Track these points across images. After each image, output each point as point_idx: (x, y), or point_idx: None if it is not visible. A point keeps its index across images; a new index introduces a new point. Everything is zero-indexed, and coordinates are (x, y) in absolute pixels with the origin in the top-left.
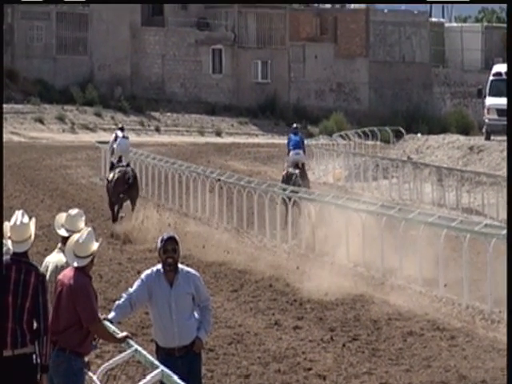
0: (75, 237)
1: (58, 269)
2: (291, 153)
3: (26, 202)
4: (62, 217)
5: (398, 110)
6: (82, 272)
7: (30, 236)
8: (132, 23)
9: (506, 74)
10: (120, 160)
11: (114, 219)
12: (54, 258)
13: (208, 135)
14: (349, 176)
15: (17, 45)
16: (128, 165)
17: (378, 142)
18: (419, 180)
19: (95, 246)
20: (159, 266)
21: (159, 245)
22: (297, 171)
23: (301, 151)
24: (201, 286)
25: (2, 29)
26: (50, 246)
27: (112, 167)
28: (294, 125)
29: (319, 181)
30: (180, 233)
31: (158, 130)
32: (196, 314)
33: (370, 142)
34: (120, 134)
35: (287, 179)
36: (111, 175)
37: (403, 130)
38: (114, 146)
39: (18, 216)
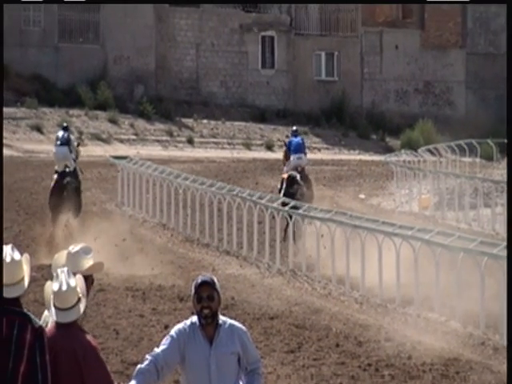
0: (53, 285)
1: None
2: (293, 156)
3: (20, 235)
4: (62, 256)
5: (504, 117)
6: (75, 328)
7: (23, 278)
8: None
9: (507, 74)
10: (67, 166)
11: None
12: None
13: (256, 149)
14: (439, 203)
15: (7, 30)
16: (74, 170)
17: (478, 159)
18: None
19: (81, 287)
20: (194, 319)
21: (192, 291)
22: (298, 176)
23: (303, 155)
24: (249, 343)
25: (2, 29)
26: None
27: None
28: (294, 127)
29: (401, 209)
30: (220, 276)
31: (191, 141)
32: (241, 382)
33: (466, 159)
34: (60, 134)
35: (290, 185)
36: (54, 179)
37: None
38: (54, 150)
39: (7, 251)
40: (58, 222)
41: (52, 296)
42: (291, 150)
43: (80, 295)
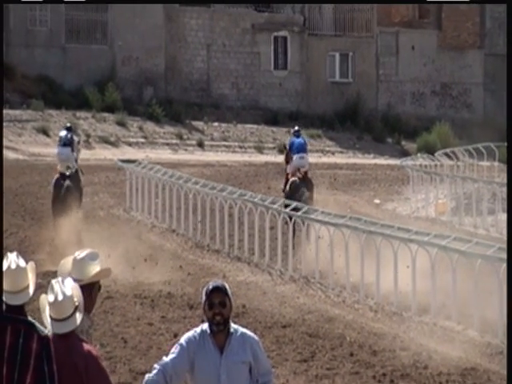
0: (48, 296)
1: None
2: (295, 157)
3: (26, 241)
4: (67, 262)
5: None
6: (74, 339)
7: (28, 286)
8: (167, 2)
9: (507, 75)
10: (69, 167)
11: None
12: None
13: (268, 152)
14: (456, 208)
15: (13, 30)
16: (76, 172)
17: (496, 163)
18: None
19: (77, 296)
20: (205, 326)
21: (203, 298)
22: (300, 181)
23: (305, 155)
24: (260, 353)
25: (2, 30)
26: None
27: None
28: (296, 127)
29: (417, 215)
30: (231, 283)
31: (201, 145)
32: None
33: (484, 163)
34: (63, 135)
35: (294, 191)
36: (54, 179)
37: None
38: (56, 151)
39: (12, 258)
40: (61, 228)
41: (48, 307)
42: (293, 149)
43: (76, 304)
